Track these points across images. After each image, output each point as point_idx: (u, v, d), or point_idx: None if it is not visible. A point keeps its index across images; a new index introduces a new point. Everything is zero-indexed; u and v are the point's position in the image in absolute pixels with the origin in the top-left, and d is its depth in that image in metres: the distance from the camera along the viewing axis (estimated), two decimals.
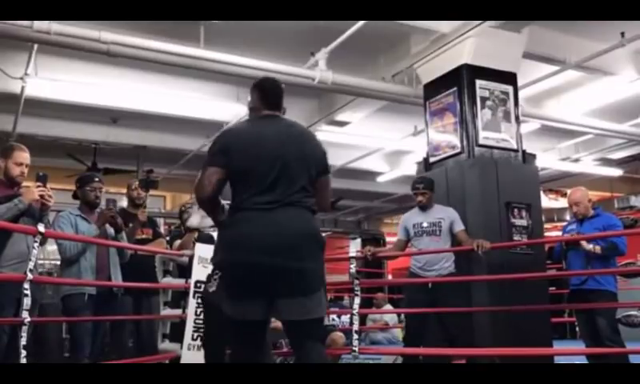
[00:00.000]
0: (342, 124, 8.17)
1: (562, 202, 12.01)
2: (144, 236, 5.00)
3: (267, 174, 2.52)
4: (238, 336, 2.67)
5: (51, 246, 5.36)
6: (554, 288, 6.57)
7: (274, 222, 2.49)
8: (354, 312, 4.58)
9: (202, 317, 4.40)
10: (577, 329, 7.30)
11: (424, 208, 4.83)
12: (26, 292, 3.25)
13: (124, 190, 5.42)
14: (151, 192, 5.32)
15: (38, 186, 3.58)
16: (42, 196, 3.57)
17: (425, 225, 4.78)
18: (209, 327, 4.01)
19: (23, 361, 3.12)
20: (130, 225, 4.78)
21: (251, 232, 2.49)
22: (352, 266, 4.68)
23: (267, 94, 2.78)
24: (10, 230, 3.47)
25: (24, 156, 3.73)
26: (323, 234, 2.78)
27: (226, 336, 3.01)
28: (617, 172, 11.14)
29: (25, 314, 3.22)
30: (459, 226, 4.75)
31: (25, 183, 3.79)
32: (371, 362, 5.21)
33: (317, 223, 2.59)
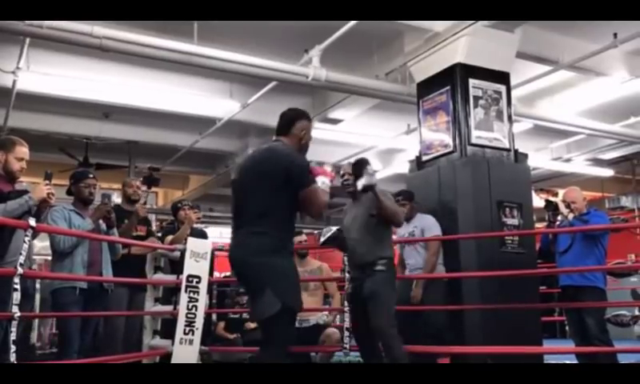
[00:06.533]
0: (335, 122, 8.17)
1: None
2: (139, 233, 4.97)
3: (235, 201, 3.09)
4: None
5: (41, 243, 5.31)
6: (544, 287, 6.60)
7: (233, 243, 3.08)
8: (346, 309, 4.57)
9: (193, 311, 4.41)
10: (567, 328, 7.35)
11: (408, 219, 5.10)
12: (15, 286, 3.23)
13: (115, 186, 5.40)
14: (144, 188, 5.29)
15: (47, 184, 3.57)
16: (48, 194, 3.57)
17: (402, 233, 5.14)
18: None
19: (13, 356, 3.10)
20: (126, 221, 4.75)
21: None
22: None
23: (278, 123, 3.15)
24: (5, 225, 3.44)
25: (24, 151, 3.70)
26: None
27: None
28: (608, 172, 11.20)
29: (15, 309, 3.20)
30: (429, 233, 5.03)
31: (24, 178, 3.77)
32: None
33: (260, 241, 2.90)
